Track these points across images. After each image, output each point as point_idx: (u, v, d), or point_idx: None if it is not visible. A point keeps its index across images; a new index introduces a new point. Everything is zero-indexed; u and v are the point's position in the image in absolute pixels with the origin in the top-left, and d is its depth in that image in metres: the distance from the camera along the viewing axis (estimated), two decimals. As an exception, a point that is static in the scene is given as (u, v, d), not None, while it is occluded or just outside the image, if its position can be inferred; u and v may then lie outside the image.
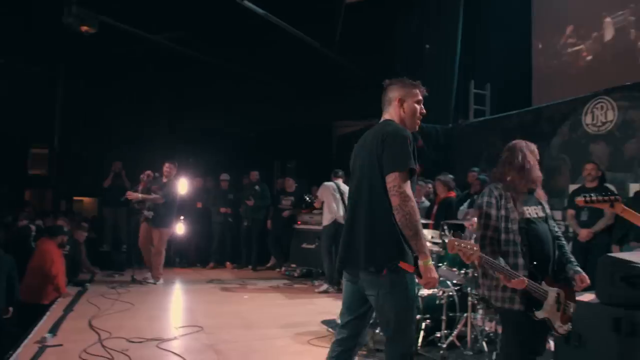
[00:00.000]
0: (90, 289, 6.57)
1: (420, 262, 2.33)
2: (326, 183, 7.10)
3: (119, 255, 8.43)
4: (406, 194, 2.34)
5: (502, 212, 2.75)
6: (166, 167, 7.44)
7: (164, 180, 7.37)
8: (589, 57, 7.32)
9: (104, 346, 4.13)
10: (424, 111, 2.67)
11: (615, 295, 3.38)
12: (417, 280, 2.40)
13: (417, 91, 2.65)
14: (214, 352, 4.14)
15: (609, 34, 6.98)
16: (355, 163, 2.66)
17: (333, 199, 6.95)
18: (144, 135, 11.85)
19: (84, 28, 7.46)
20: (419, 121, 2.66)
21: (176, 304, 6.27)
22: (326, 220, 6.93)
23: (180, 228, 8.86)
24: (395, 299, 2.38)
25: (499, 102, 8.16)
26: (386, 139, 2.43)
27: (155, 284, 7.05)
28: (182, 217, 8.92)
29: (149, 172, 7.41)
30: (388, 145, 2.42)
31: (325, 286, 7.00)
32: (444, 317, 4.22)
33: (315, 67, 10.67)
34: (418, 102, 2.64)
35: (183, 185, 8.75)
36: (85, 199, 12.05)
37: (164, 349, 4.16)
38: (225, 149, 10.73)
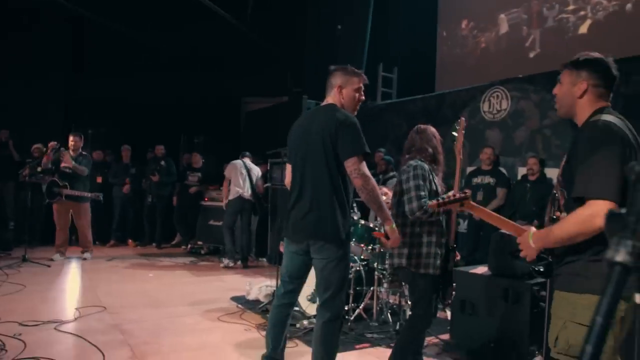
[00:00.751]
0: (-28, 270, 5.99)
1: (387, 227, 2.74)
2: (234, 161, 7.17)
3: (5, 233, 7.72)
4: (366, 174, 2.63)
5: (433, 186, 3.04)
6: (72, 139, 6.96)
7: (72, 153, 6.89)
8: (487, 49, 7.86)
9: (-7, 331, 3.81)
10: (363, 98, 2.90)
11: (503, 267, 3.76)
12: (384, 241, 2.81)
13: (357, 79, 2.86)
14: (119, 332, 3.99)
15: (503, 28, 7.54)
16: (298, 145, 2.84)
17: (240, 176, 7.03)
18: (35, 103, 10.85)
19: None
20: (357, 106, 2.88)
21: (74, 284, 5.91)
22: (232, 194, 6.95)
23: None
24: (339, 267, 2.72)
25: (405, 86, 8.52)
26: (339, 127, 2.65)
27: (89, 258, 7.04)
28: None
29: (53, 143, 6.84)
30: (343, 133, 2.64)
31: (226, 261, 7.02)
32: (351, 291, 4.40)
33: (227, 41, 10.41)
34: (357, 89, 2.85)
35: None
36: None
37: (64, 331, 3.93)
38: (128, 121, 10.15)
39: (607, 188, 1.67)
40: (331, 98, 2.85)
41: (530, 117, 5.69)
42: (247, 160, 7.22)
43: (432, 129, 3.22)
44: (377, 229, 4.38)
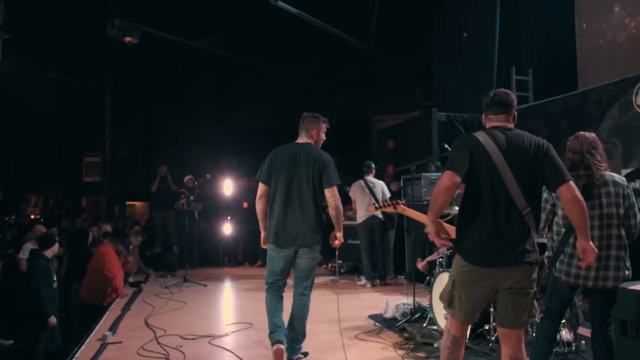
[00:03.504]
0: (145, 289, 6.86)
1: (338, 234, 3.83)
2: (355, 182, 7.23)
3: (170, 256, 8.74)
4: (339, 199, 3.72)
5: None
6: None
7: None
8: (636, 36, 6.98)
9: (159, 343, 4.32)
10: (325, 138, 3.95)
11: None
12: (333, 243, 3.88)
13: (324, 125, 3.92)
14: (263, 347, 4.25)
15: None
16: (283, 169, 3.68)
17: (363, 195, 7.05)
18: (187, 138, 12.22)
19: (127, 39, 7.77)
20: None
21: (226, 302, 6.46)
22: (359, 216, 7.05)
23: (227, 228, 9.10)
24: (315, 263, 3.79)
25: (542, 88, 7.90)
26: (325, 163, 3.66)
27: None
28: (229, 218, 9.15)
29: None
30: (326, 168, 3.65)
31: (364, 281, 7.06)
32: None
33: (354, 62, 10.69)
34: (324, 132, 3.93)
35: (228, 186, 8.99)
36: (137, 203, 12.53)
37: (216, 345, 4.32)
38: (270, 148, 10.91)
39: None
40: (308, 138, 3.83)
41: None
42: (369, 177, 7.17)
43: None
44: None
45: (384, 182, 7.36)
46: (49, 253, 5.53)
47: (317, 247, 3.69)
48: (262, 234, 3.84)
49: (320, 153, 3.73)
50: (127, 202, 12.52)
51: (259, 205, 3.79)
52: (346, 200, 7.87)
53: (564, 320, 3.96)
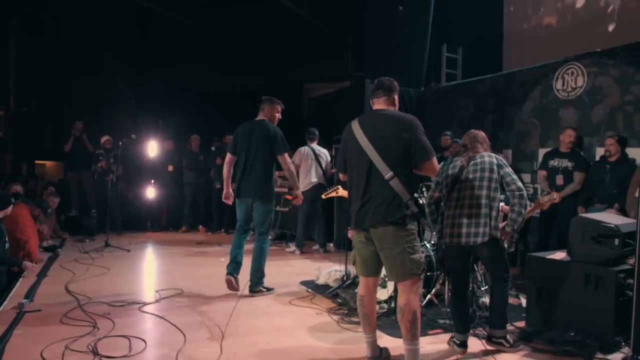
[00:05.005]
0: (61, 255, 6.45)
1: (296, 192, 5.04)
2: (300, 149, 7.17)
3: (88, 219, 8.25)
4: (290, 163, 4.86)
5: None
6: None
7: None
8: (560, 23, 7.44)
9: (84, 310, 4.10)
10: (280, 117, 4.91)
11: (585, 253, 3.59)
12: (291, 200, 5.24)
13: (279, 107, 4.87)
14: (197, 313, 4.18)
15: (579, 0, 7.10)
16: (243, 140, 4.73)
17: (308, 163, 7.06)
18: (105, 96, 11.45)
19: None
20: (276, 122, 4.87)
21: (152, 268, 6.24)
22: (304, 184, 6.98)
23: (151, 192, 8.74)
24: (267, 213, 4.77)
25: (470, 66, 8.24)
26: (272, 136, 4.67)
27: None
28: (152, 181, 8.79)
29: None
30: (275, 140, 4.68)
31: (293, 248, 7.14)
32: (422, 277, 4.36)
33: (287, 26, 10.47)
34: (279, 112, 4.89)
35: (152, 148, 8.59)
36: (47, 163, 11.61)
37: (147, 312, 4.18)
38: (194, 110, 10.48)
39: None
40: (263, 116, 4.81)
41: (609, 94, 5.34)
42: (314, 145, 7.18)
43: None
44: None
45: (327, 150, 7.36)
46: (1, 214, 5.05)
47: (267, 200, 4.72)
48: (225, 192, 4.87)
49: (269, 127, 4.71)
50: (37, 161, 11.54)
51: (225, 169, 4.87)
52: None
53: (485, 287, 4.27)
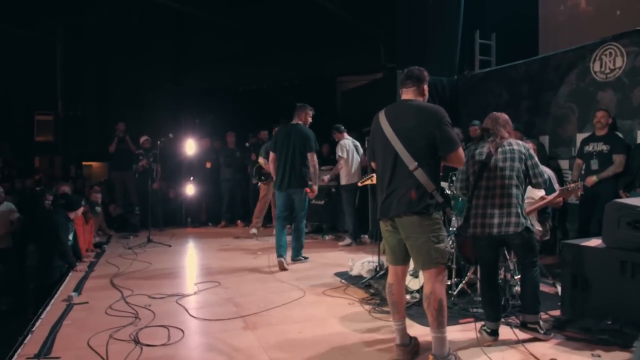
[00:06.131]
0: (107, 251, 6.77)
1: (314, 187, 5.79)
2: (342, 142, 7.18)
3: (132, 217, 8.59)
4: (316, 161, 5.76)
5: None
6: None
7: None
8: (597, 3, 7.17)
9: (127, 302, 4.31)
10: (311, 120, 5.91)
11: (621, 240, 3.49)
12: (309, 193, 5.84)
13: (310, 112, 5.86)
14: (232, 304, 4.31)
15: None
16: (283, 142, 5.72)
17: (352, 156, 7.12)
18: (145, 97, 11.82)
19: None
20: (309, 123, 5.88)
21: (192, 262, 6.46)
22: (349, 177, 7.08)
23: (190, 189, 8.99)
24: (303, 200, 5.80)
25: (504, 52, 8.04)
26: (306, 138, 5.67)
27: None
28: (192, 178, 9.03)
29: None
30: (308, 141, 5.68)
31: (349, 241, 7.20)
32: (454, 266, 4.36)
33: (318, 21, 10.50)
34: (310, 116, 5.88)
35: (190, 146, 8.83)
36: (94, 164, 12.13)
37: (186, 304, 4.34)
38: (231, 108, 10.69)
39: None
40: (299, 120, 5.81)
41: (650, 74, 5.14)
42: (350, 137, 7.24)
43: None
44: None
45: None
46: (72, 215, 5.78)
47: (302, 189, 5.72)
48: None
49: (304, 130, 5.74)
50: (84, 163, 12.10)
51: (272, 166, 5.87)
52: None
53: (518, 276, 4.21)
